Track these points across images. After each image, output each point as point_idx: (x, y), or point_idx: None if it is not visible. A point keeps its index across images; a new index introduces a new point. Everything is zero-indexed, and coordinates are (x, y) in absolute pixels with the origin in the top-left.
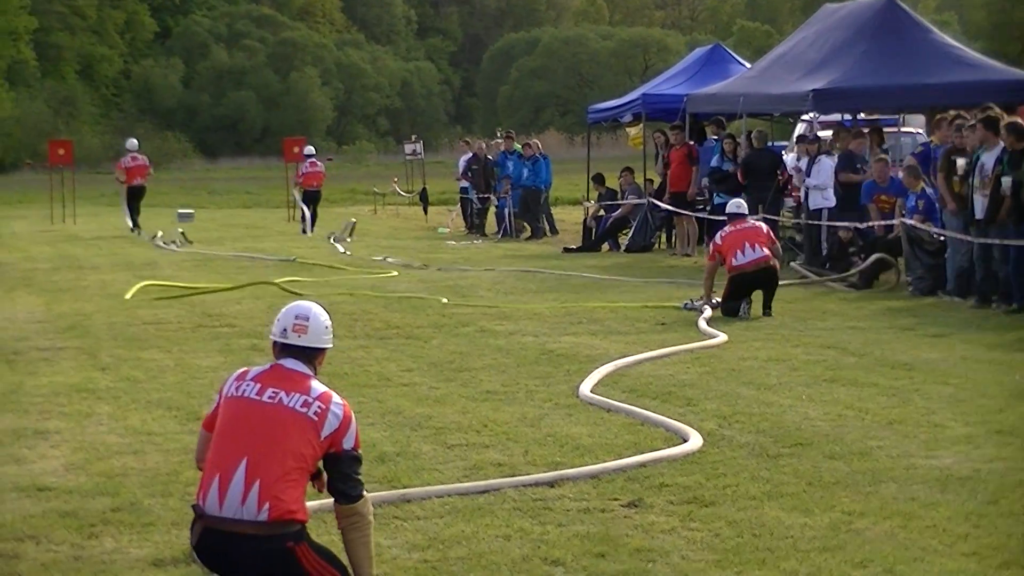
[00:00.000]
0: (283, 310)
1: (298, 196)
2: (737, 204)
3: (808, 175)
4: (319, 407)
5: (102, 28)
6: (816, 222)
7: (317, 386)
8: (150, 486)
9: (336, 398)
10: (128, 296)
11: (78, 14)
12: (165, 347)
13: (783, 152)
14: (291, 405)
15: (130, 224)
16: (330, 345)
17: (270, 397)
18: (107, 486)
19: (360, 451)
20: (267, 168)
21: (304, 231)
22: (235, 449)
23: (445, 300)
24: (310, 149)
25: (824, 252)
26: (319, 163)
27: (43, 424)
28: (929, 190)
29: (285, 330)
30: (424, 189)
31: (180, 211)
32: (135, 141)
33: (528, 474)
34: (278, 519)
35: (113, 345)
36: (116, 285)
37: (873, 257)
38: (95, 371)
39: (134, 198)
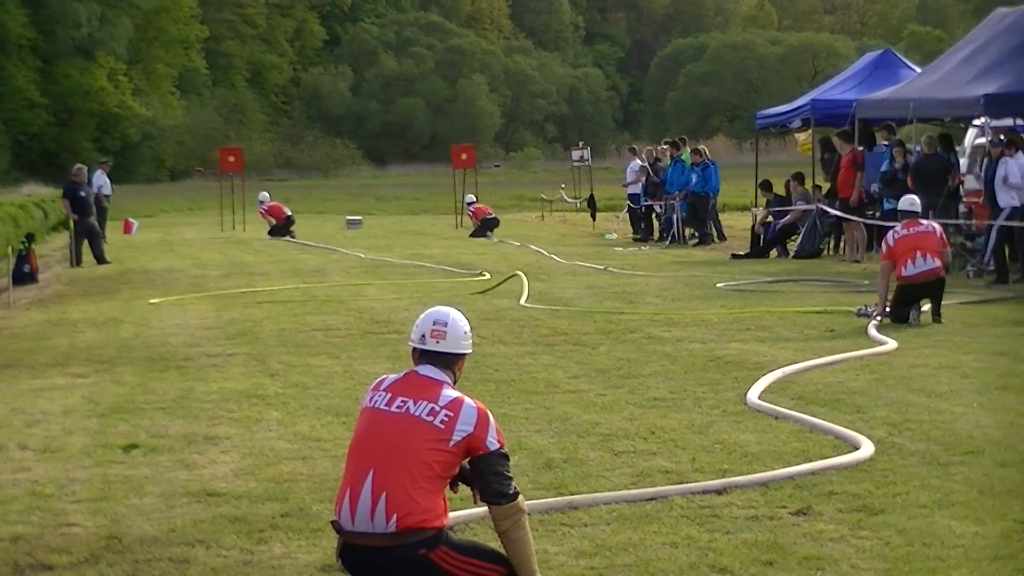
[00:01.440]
0: (422, 316)
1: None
2: (910, 201)
3: (1007, 176)
4: (446, 415)
5: (272, 36)
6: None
7: (448, 393)
8: (319, 492)
9: (468, 402)
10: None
11: (248, 23)
12: (334, 353)
13: (953, 158)
14: (417, 414)
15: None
16: (469, 351)
17: (398, 407)
18: (276, 491)
19: (505, 447)
20: (435, 175)
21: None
22: (362, 463)
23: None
24: (471, 197)
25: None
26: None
27: (213, 430)
28: None
29: (423, 336)
30: (592, 195)
31: (349, 218)
32: (267, 194)
33: (696, 481)
34: (407, 529)
35: (282, 351)
36: (285, 292)
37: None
38: (264, 377)
39: (282, 230)
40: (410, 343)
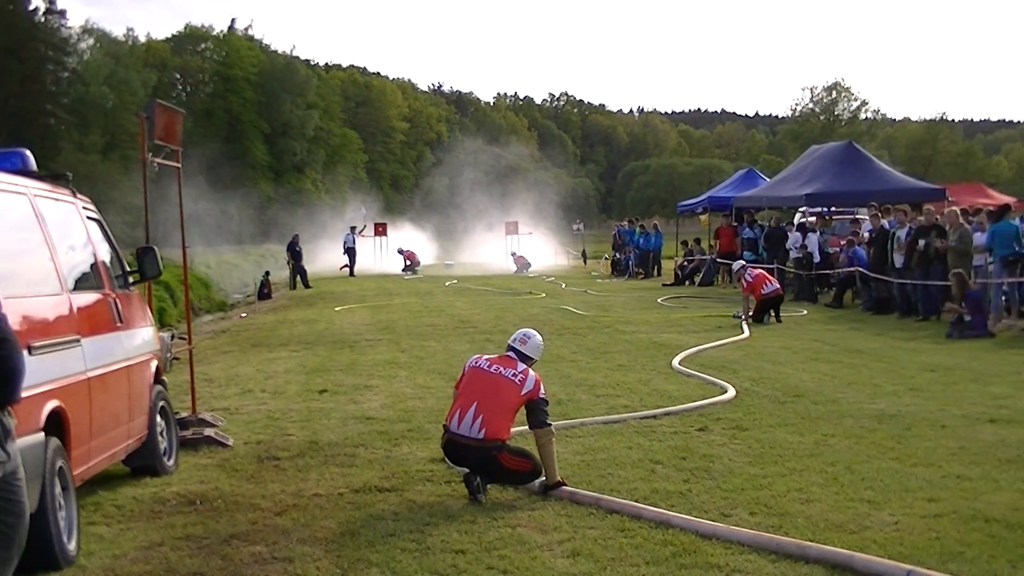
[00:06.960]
0: (521, 330)
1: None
2: (745, 257)
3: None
4: (520, 376)
5: (404, 159)
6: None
7: (520, 366)
8: (430, 417)
9: (531, 372)
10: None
11: (390, 151)
12: (437, 339)
13: (787, 229)
14: (505, 375)
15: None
16: (536, 357)
17: (495, 370)
18: (404, 417)
19: (546, 397)
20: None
21: (520, 274)
22: (471, 396)
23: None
24: (514, 251)
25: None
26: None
27: (369, 382)
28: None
29: (516, 339)
30: (584, 250)
31: (447, 262)
32: (402, 247)
33: (643, 411)
34: (489, 438)
35: (408, 338)
36: (410, 304)
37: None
38: (398, 352)
39: (411, 268)
40: (509, 341)
